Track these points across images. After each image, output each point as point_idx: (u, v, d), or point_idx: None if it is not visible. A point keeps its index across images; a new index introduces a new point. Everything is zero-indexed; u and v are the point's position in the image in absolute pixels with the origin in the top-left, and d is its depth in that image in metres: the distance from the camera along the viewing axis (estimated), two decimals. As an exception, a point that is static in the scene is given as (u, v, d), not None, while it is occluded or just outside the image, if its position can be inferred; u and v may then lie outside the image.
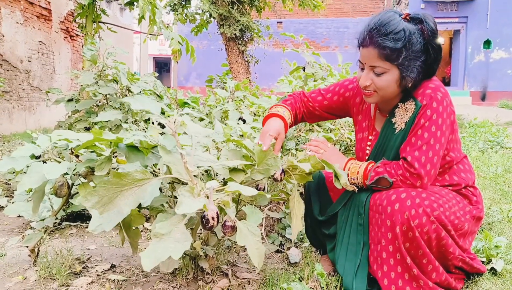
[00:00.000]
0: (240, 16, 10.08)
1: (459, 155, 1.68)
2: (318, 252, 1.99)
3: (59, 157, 1.67)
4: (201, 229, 1.82)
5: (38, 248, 1.90)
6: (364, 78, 1.58)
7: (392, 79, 1.54)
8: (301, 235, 2.24)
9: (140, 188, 1.34)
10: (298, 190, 1.69)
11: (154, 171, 1.66)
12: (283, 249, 2.16)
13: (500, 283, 1.70)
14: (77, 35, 11.16)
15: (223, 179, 1.64)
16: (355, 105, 1.84)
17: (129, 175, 1.32)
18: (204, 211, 1.28)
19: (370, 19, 1.58)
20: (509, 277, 1.74)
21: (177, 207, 1.22)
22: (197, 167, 1.50)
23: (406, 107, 1.60)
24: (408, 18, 1.55)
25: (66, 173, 1.59)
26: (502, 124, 8.91)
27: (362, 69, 1.61)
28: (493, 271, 1.78)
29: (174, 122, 1.39)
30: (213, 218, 1.35)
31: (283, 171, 1.62)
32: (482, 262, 1.82)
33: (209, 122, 3.34)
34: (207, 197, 1.34)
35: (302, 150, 1.79)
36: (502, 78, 16.19)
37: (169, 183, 1.65)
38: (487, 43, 16.22)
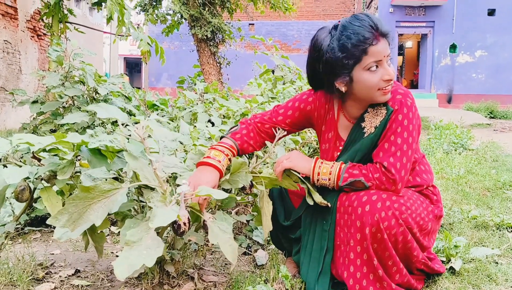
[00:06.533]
0: (212, 18, 10.07)
1: (419, 155, 1.75)
2: (284, 254, 2.02)
3: (20, 161, 1.63)
4: (167, 233, 1.82)
5: (-1, 254, 1.86)
6: (392, 70, 1.58)
7: None
8: (269, 237, 2.26)
9: (109, 199, 1.32)
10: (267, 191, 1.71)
11: (120, 175, 1.65)
12: (251, 252, 2.17)
13: (458, 282, 1.76)
14: (44, 34, 10.86)
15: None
16: (319, 117, 1.79)
17: (97, 187, 1.31)
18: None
19: (363, 20, 1.52)
20: (466, 276, 1.81)
21: (151, 221, 1.21)
22: (164, 172, 1.50)
23: (376, 112, 1.61)
24: None
25: (28, 178, 1.56)
26: (466, 126, 9.19)
27: (369, 69, 1.54)
28: (452, 270, 1.84)
29: (142, 128, 1.38)
30: (184, 224, 1.36)
31: (252, 184, 1.65)
32: (442, 261, 1.88)
33: (177, 125, 3.32)
34: (178, 203, 1.34)
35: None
36: (467, 82, 16.70)
37: (136, 188, 1.64)
38: (453, 47, 16.70)
